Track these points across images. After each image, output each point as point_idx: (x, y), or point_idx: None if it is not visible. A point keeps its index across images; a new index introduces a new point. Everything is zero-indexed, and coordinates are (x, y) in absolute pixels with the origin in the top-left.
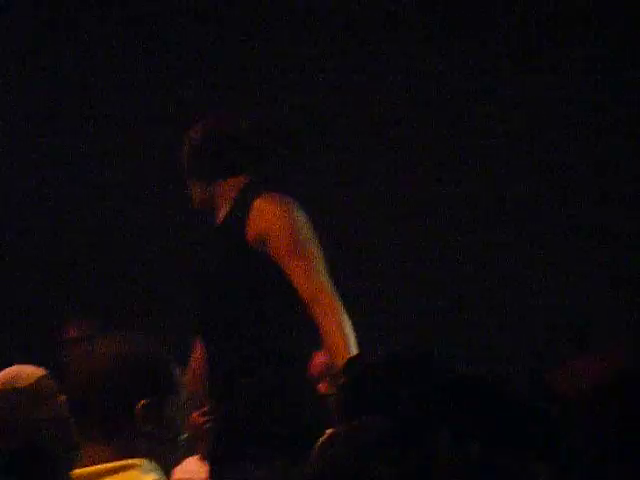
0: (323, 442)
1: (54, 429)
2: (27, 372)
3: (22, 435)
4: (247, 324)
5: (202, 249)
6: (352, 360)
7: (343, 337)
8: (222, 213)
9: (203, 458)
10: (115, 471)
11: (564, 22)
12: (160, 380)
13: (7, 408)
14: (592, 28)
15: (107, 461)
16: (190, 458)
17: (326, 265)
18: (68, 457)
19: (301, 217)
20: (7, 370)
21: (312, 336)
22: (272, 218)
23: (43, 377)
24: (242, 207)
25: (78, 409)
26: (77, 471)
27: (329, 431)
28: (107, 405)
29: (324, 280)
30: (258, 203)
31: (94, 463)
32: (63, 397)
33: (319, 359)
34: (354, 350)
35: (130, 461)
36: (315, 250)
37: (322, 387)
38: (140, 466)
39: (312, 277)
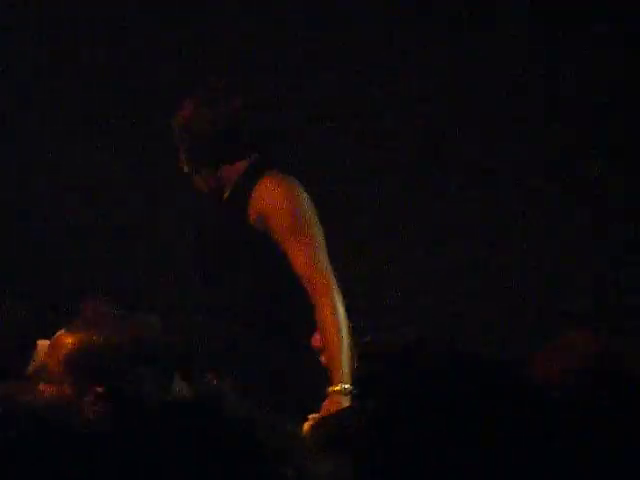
0: None
1: None
2: None
3: None
4: (248, 301)
5: (201, 229)
6: (367, 346)
7: (334, 319)
8: (225, 194)
9: None
10: None
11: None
12: None
13: None
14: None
15: None
16: None
17: (325, 246)
18: None
19: (302, 198)
20: None
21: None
22: (273, 199)
23: None
24: (245, 188)
25: None
26: None
27: None
28: None
29: (320, 261)
30: (261, 184)
31: None
32: None
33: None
34: (344, 331)
35: None
36: (314, 231)
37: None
38: None
39: (309, 258)
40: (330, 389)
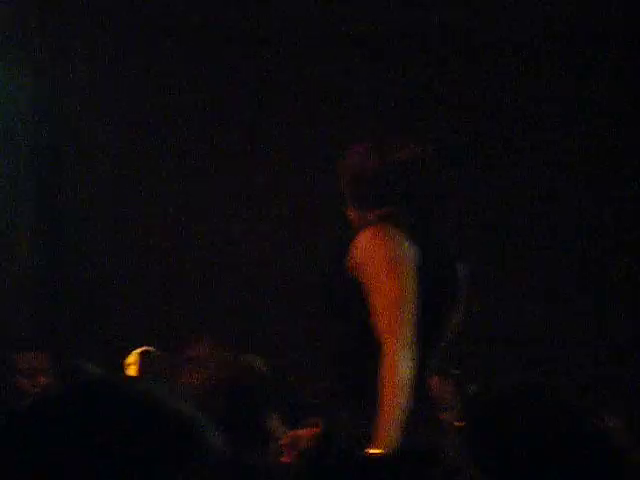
0: None
1: None
2: None
3: None
4: (342, 349)
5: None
6: (473, 399)
7: (392, 379)
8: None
9: None
10: None
11: None
12: None
13: None
14: None
15: None
16: None
17: (413, 305)
18: None
19: (398, 251)
20: None
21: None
22: (368, 248)
23: None
24: (356, 235)
25: None
26: None
27: None
28: None
29: (398, 318)
30: (363, 233)
31: None
32: None
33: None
34: (401, 395)
35: None
36: (402, 285)
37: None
38: None
39: (385, 318)
40: (370, 451)
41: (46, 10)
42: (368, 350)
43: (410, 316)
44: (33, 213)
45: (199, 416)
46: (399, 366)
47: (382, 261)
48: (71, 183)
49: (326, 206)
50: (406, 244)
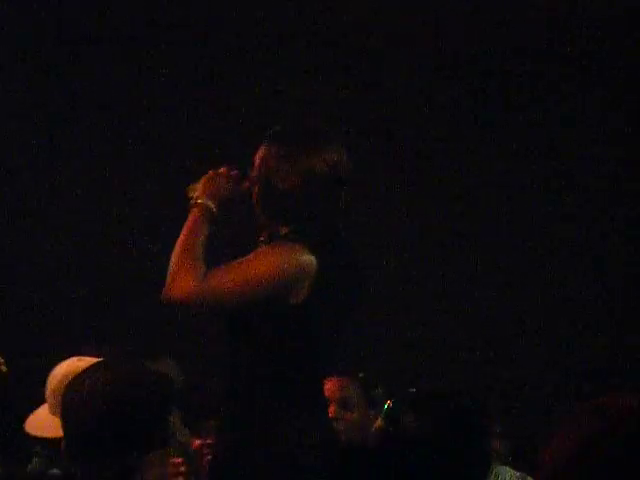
0: None
1: None
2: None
3: None
4: (245, 361)
5: None
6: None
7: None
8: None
9: None
10: None
11: None
12: None
13: None
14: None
15: None
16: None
17: (249, 300)
18: None
19: (287, 266)
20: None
21: (318, 367)
22: (260, 253)
23: None
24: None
25: None
26: None
27: None
28: None
29: (220, 284)
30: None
31: None
32: None
33: (327, 385)
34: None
35: None
36: (255, 288)
37: (330, 411)
38: None
39: (220, 274)
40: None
41: None
42: (280, 365)
43: (236, 302)
44: None
45: None
46: (195, 286)
47: (266, 259)
48: None
49: None
50: (306, 261)
